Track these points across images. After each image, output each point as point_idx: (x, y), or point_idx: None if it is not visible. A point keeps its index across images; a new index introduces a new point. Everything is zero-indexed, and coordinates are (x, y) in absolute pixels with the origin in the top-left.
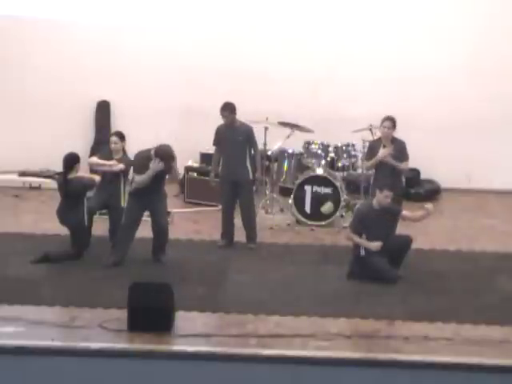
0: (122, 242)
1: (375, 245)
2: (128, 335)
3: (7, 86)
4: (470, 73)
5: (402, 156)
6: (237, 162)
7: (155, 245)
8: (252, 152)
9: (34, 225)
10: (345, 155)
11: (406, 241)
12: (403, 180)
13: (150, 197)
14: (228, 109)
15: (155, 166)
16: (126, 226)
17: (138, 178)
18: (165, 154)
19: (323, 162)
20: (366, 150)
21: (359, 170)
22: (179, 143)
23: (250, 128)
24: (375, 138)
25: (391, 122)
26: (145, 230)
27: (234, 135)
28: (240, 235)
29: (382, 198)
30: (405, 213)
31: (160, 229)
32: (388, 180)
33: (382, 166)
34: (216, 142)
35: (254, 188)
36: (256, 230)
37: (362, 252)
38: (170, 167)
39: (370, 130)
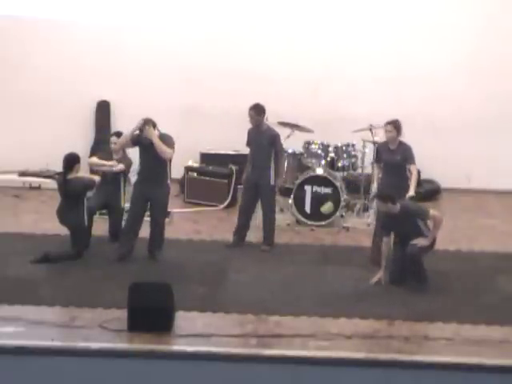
0: (128, 235)
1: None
2: (128, 335)
3: (7, 86)
4: (471, 72)
5: (408, 160)
6: (260, 165)
7: (150, 239)
8: (277, 157)
9: (34, 225)
10: (345, 155)
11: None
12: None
13: (152, 186)
14: (254, 109)
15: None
16: (130, 218)
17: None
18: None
19: (323, 162)
20: (366, 150)
21: (359, 170)
22: (179, 143)
23: (275, 133)
24: (375, 138)
25: (392, 125)
26: (144, 230)
27: (259, 139)
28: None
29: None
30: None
31: (155, 224)
32: (393, 180)
33: (388, 168)
34: (248, 143)
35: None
36: (273, 234)
37: None
38: (144, 125)
39: (370, 130)
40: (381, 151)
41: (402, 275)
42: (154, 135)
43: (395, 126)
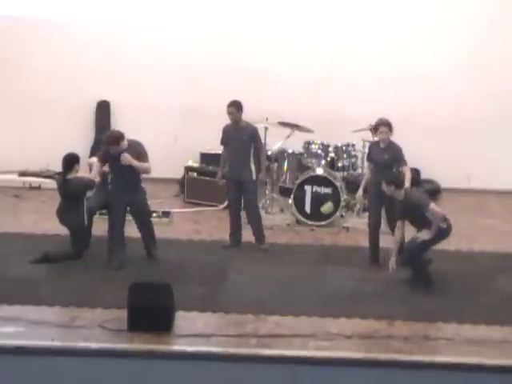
0: (120, 242)
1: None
2: (128, 335)
3: (7, 86)
4: (471, 72)
5: (399, 162)
6: (241, 161)
7: (144, 240)
8: (257, 152)
9: (34, 225)
10: (345, 155)
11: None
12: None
13: (130, 193)
14: (234, 106)
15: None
16: (118, 225)
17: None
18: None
19: (323, 162)
20: (366, 149)
21: (359, 170)
22: (179, 143)
23: (254, 128)
24: (375, 138)
25: (386, 126)
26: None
27: (239, 135)
28: (247, 235)
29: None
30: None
31: (141, 224)
32: (380, 179)
33: (376, 166)
34: (223, 142)
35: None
36: (262, 230)
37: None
38: (108, 149)
39: (370, 130)
40: (371, 150)
41: (416, 259)
42: (132, 161)
43: (389, 126)
